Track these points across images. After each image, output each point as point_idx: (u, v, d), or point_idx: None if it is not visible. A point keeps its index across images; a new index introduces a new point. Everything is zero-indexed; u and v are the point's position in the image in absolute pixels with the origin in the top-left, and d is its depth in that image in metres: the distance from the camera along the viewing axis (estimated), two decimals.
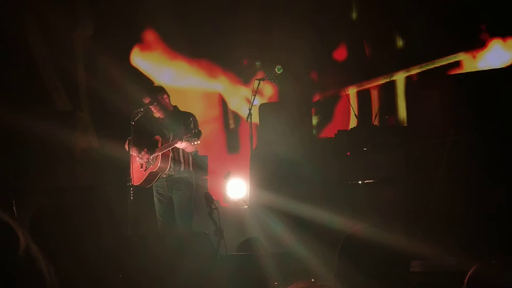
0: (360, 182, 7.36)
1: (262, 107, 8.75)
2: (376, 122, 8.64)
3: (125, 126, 7.10)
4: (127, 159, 7.11)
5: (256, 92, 8.01)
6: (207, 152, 9.25)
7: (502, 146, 6.33)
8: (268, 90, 9.90)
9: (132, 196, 6.98)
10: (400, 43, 9.34)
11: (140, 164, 6.94)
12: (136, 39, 10.01)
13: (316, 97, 9.66)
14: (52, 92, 9.60)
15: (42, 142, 8.59)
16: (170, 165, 6.83)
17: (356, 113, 8.76)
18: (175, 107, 7.10)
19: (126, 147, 6.97)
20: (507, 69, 7.07)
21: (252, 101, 8.00)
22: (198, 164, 7.38)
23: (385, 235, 2.43)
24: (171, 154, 6.86)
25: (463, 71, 8.32)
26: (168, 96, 7.06)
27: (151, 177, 6.88)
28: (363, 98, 9.32)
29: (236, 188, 8.13)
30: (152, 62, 10.23)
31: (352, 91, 9.54)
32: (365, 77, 9.43)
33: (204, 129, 7.33)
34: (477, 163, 6.34)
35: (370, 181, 7.29)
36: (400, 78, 9.14)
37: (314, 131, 9.32)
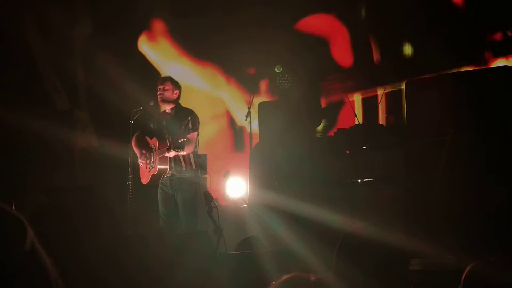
0: (359, 180, 7.36)
1: (261, 105, 8.74)
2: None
3: (125, 125, 7.12)
4: (126, 158, 7.13)
5: (251, 103, 8.02)
6: (213, 150, 9.23)
7: (502, 145, 6.32)
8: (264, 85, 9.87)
9: (132, 195, 7.00)
10: (404, 54, 9.32)
11: (145, 165, 6.98)
12: (137, 34, 9.99)
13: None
14: (52, 92, 9.60)
15: (42, 142, 8.58)
16: (171, 166, 6.84)
17: (361, 121, 8.78)
18: (177, 103, 7.09)
19: (134, 147, 7.04)
20: (507, 68, 7.06)
21: (248, 112, 8.00)
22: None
23: (384, 233, 2.43)
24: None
25: (462, 70, 8.32)
26: (179, 91, 7.04)
27: (155, 178, 6.91)
28: (369, 105, 9.27)
29: (236, 187, 8.13)
30: (158, 54, 10.27)
31: (357, 98, 9.51)
32: (371, 84, 9.39)
33: (210, 127, 7.31)
34: (476, 162, 6.33)
35: (369, 179, 7.29)
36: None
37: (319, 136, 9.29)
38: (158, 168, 6.81)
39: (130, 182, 7.05)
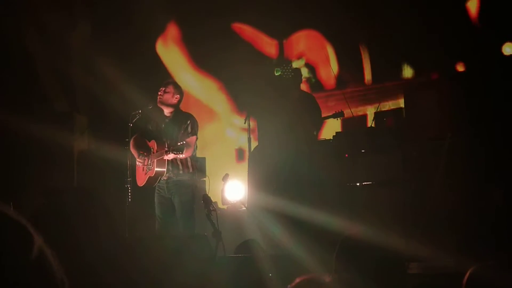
0: (358, 184, 7.36)
1: (261, 107, 8.73)
2: None
3: (123, 128, 7.11)
4: (125, 161, 7.12)
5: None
6: (214, 153, 9.22)
7: (500, 146, 6.32)
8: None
9: (130, 197, 6.99)
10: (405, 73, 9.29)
11: (142, 167, 6.97)
12: (136, 36, 10.00)
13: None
14: (50, 94, 9.59)
15: (40, 144, 8.57)
16: (168, 169, 6.82)
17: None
18: (177, 108, 7.07)
19: (132, 148, 7.04)
20: (505, 69, 7.06)
21: (247, 115, 7.98)
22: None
23: (383, 236, 2.42)
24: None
25: (460, 71, 8.30)
26: (181, 96, 7.04)
27: (151, 180, 6.89)
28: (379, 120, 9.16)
29: (234, 190, 8.12)
30: (171, 58, 10.37)
31: (370, 111, 9.46)
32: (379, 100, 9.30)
33: (212, 128, 7.28)
34: (475, 164, 6.34)
35: (368, 182, 7.29)
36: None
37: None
38: (155, 171, 6.80)
39: (129, 185, 7.04)
